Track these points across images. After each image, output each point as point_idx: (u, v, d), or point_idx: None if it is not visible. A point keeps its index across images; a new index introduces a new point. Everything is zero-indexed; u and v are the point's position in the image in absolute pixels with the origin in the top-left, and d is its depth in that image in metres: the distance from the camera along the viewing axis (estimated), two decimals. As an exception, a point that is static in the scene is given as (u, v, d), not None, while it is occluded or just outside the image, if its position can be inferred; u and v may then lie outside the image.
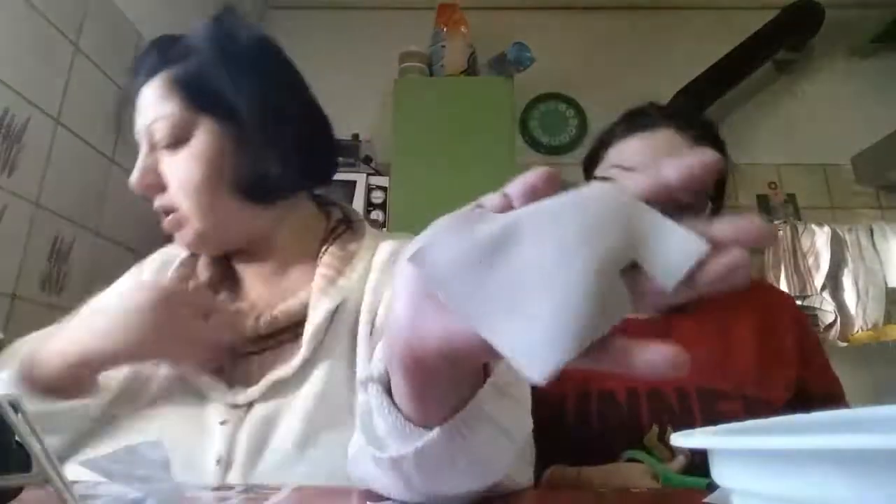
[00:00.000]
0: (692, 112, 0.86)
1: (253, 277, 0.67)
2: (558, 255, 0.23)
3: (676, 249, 0.23)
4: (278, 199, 0.64)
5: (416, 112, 2.23)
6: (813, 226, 2.27)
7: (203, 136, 0.60)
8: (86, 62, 1.47)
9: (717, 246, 0.23)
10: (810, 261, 2.22)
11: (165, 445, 0.39)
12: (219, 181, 0.60)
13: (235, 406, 0.57)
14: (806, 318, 0.90)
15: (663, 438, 0.69)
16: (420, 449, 0.33)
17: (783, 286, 2.18)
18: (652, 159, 0.77)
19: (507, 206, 0.28)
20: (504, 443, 0.35)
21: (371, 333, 0.58)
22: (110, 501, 0.41)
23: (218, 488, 0.49)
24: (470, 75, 2.32)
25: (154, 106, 0.62)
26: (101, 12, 1.53)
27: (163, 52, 0.65)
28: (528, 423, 0.40)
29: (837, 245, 2.23)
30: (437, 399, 0.33)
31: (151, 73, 0.63)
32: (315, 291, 0.60)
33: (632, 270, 0.23)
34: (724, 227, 0.23)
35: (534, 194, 0.27)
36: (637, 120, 0.83)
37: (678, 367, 0.23)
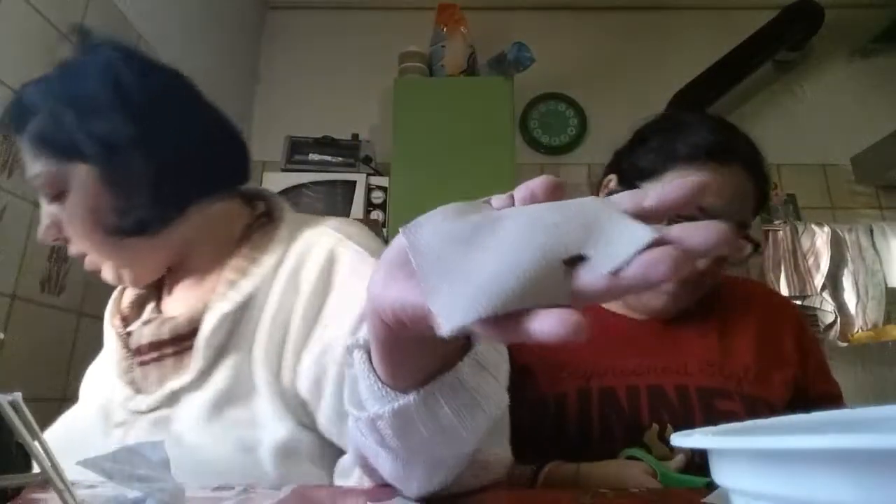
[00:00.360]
0: (756, 149, 0.78)
1: (176, 288, 0.69)
2: (516, 241, 0.26)
3: (624, 241, 0.24)
4: (173, 221, 0.63)
5: (416, 112, 2.23)
6: (813, 226, 2.28)
7: (77, 185, 0.60)
8: (86, 62, 1.47)
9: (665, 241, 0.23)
10: (810, 261, 2.22)
11: (165, 446, 0.39)
12: (105, 224, 0.60)
13: (137, 411, 0.60)
14: (805, 320, 0.90)
15: (663, 436, 0.69)
16: (396, 409, 0.35)
17: (783, 286, 2.18)
18: (719, 200, 0.72)
19: (510, 205, 0.30)
20: (479, 413, 0.36)
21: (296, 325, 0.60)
22: (110, 501, 0.41)
23: (218, 488, 0.49)
24: (470, 75, 2.32)
25: (29, 166, 0.63)
26: (101, 12, 1.53)
27: (17, 112, 0.63)
28: (504, 399, 0.41)
29: (837, 245, 2.23)
30: (410, 365, 0.35)
31: (19, 133, 0.63)
32: (215, 296, 0.61)
33: (581, 262, 0.25)
34: (678, 228, 0.23)
35: (532, 199, 0.29)
36: (712, 147, 0.74)
37: (574, 331, 0.22)
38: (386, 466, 0.42)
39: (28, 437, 0.31)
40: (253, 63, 2.71)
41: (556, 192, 0.29)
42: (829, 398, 0.80)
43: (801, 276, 2.20)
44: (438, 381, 0.35)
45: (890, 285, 2.20)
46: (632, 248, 0.23)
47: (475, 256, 0.26)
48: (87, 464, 0.35)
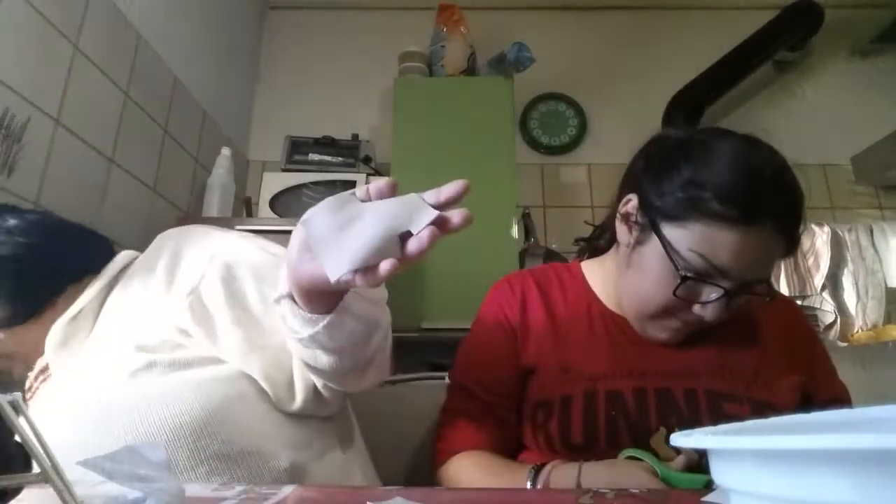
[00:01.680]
0: (792, 197, 0.72)
1: None
2: (370, 225, 0.46)
3: (423, 220, 0.46)
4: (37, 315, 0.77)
5: (416, 112, 2.23)
6: (813, 226, 2.27)
7: None
8: (86, 62, 1.47)
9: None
10: (810, 261, 2.22)
11: (165, 446, 0.39)
12: None
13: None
14: (812, 326, 0.89)
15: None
16: (326, 324, 0.57)
17: (783, 286, 2.18)
18: (741, 263, 0.69)
19: (367, 198, 0.51)
20: (372, 306, 0.63)
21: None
22: (110, 501, 0.41)
23: (218, 488, 0.49)
24: (470, 75, 2.32)
25: None
26: (101, 12, 1.53)
27: None
28: (382, 314, 0.66)
29: (837, 245, 2.23)
30: (322, 304, 0.57)
31: None
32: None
33: (407, 235, 0.47)
34: (447, 213, 0.48)
35: (379, 194, 0.50)
36: (743, 206, 0.68)
37: (392, 268, 0.47)
38: (322, 360, 0.62)
39: (28, 437, 0.31)
40: (253, 63, 2.71)
41: (394, 190, 0.50)
42: (838, 402, 0.80)
43: (801, 276, 2.20)
44: (344, 301, 0.58)
45: (890, 285, 2.20)
46: (423, 224, 0.46)
47: (347, 236, 0.47)
48: (87, 464, 0.35)
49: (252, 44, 2.71)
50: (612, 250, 0.86)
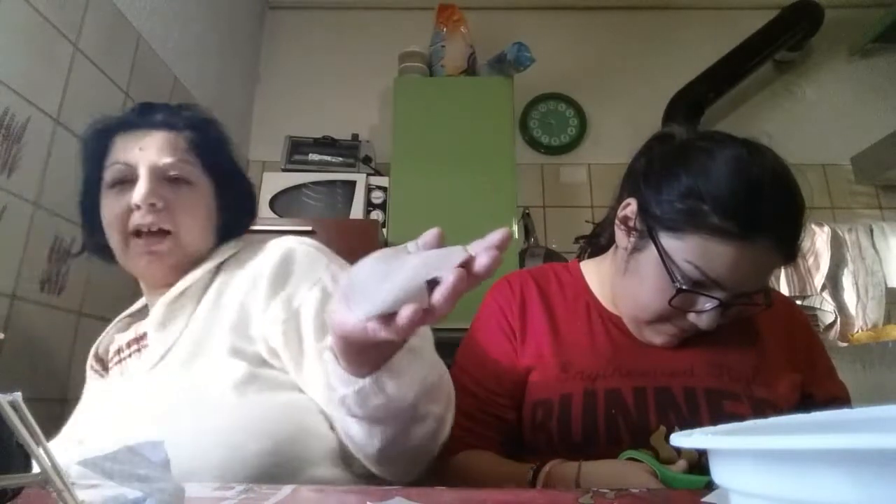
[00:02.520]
0: (792, 211, 0.71)
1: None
2: (401, 273, 0.42)
3: (455, 259, 0.41)
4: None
5: (416, 112, 2.23)
6: (813, 226, 2.27)
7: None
8: (86, 62, 1.47)
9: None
10: (810, 261, 2.22)
11: (165, 446, 0.39)
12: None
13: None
14: (811, 325, 0.89)
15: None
16: (357, 389, 0.51)
17: (783, 286, 2.18)
18: (738, 276, 0.68)
19: (418, 250, 0.46)
20: (415, 385, 0.53)
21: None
22: (110, 501, 0.41)
23: (218, 488, 0.49)
24: (470, 75, 2.32)
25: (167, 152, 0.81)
26: (101, 12, 1.53)
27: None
28: (434, 369, 0.58)
29: (837, 245, 2.23)
30: (363, 361, 0.51)
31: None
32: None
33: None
34: (478, 244, 0.42)
35: (426, 246, 0.45)
36: (743, 220, 0.67)
37: (416, 314, 0.41)
38: (353, 430, 0.58)
39: (28, 437, 0.31)
40: (253, 63, 2.71)
41: (439, 240, 0.45)
42: (837, 401, 0.80)
43: (801, 276, 2.20)
44: (385, 366, 0.51)
45: (890, 285, 2.20)
46: (450, 268, 0.41)
47: (382, 287, 0.43)
48: (87, 464, 0.35)
49: (252, 44, 2.71)
50: (611, 251, 0.86)
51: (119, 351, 0.80)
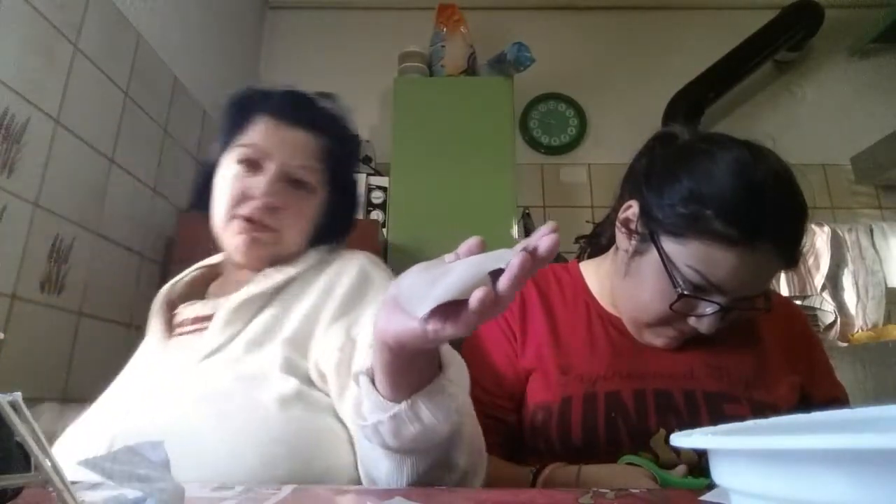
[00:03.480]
0: (798, 226, 0.72)
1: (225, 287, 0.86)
2: (456, 270, 0.42)
3: (509, 255, 0.41)
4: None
5: (416, 112, 2.23)
6: (813, 226, 2.27)
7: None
8: (86, 62, 1.47)
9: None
10: (810, 261, 2.22)
11: (165, 446, 0.39)
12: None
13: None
14: (810, 326, 0.89)
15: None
16: (393, 414, 0.49)
17: (783, 287, 2.18)
18: (739, 282, 0.69)
19: (458, 257, 0.45)
20: (448, 412, 0.50)
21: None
22: (110, 501, 0.41)
23: (218, 488, 0.49)
24: (470, 75, 2.32)
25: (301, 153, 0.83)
26: (101, 12, 1.53)
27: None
28: (466, 404, 0.56)
29: (837, 245, 2.23)
30: (404, 382, 0.49)
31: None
32: (251, 285, 0.79)
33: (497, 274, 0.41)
34: (531, 240, 0.41)
35: (469, 252, 0.44)
36: (746, 227, 0.66)
37: (488, 298, 0.39)
38: (381, 465, 0.54)
39: (28, 437, 0.31)
40: (253, 63, 2.71)
41: (483, 246, 0.45)
42: (836, 402, 0.80)
43: (801, 276, 2.20)
44: (422, 391, 0.49)
45: (890, 285, 2.20)
46: (510, 256, 0.41)
47: (438, 284, 0.42)
48: (87, 464, 0.35)
49: (252, 44, 2.71)
50: (611, 252, 0.86)
51: (182, 324, 0.80)
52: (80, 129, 1.46)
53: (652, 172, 0.77)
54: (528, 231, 2.31)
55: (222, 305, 0.76)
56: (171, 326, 0.81)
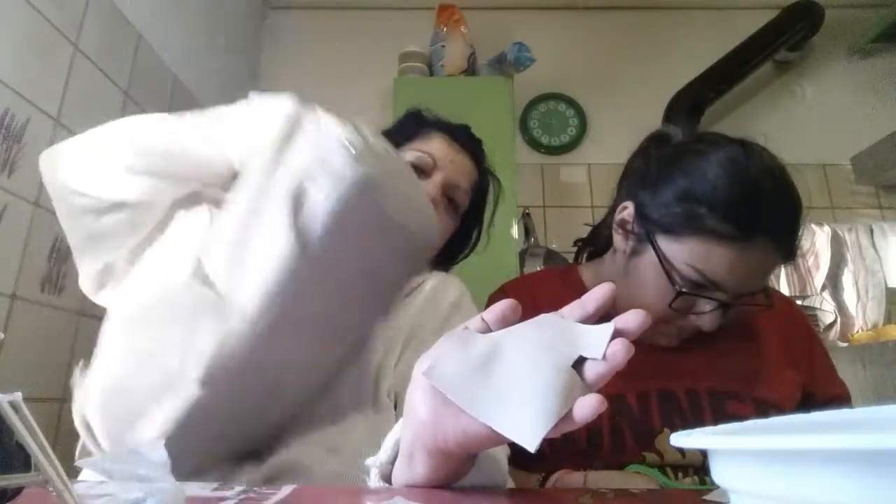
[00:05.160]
0: (794, 220, 0.71)
1: None
2: (530, 361, 0.35)
3: (595, 339, 0.36)
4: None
5: (416, 112, 2.22)
6: (813, 226, 2.27)
7: None
8: (86, 62, 1.47)
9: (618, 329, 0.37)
10: (810, 261, 2.22)
11: (164, 446, 0.39)
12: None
13: None
14: (811, 325, 0.89)
15: None
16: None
17: (783, 286, 2.18)
18: (738, 278, 0.69)
19: (486, 329, 0.40)
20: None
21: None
22: (110, 501, 0.41)
23: (217, 488, 0.49)
24: (470, 75, 2.32)
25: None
26: (101, 12, 1.53)
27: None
28: (501, 478, 0.51)
29: (837, 245, 2.23)
30: (441, 475, 0.42)
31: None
32: None
33: (580, 362, 0.36)
34: (618, 322, 0.37)
35: (504, 320, 0.39)
36: (741, 223, 0.67)
37: (600, 406, 0.35)
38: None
39: (28, 437, 0.31)
40: (253, 63, 2.71)
41: (518, 312, 0.39)
42: (838, 400, 0.80)
43: (801, 276, 2.20)
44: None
45: (890, 285, 2.20)
46: (604, 341, 0.36)
47: (497, 381, 0.35)
48: (87, 464, 0.35)
49: (252, 44, 2.71)
50: (609, 253, 0.86)
51: None
52: (80, 129, 1.44)
53: (647, 173, 0.77)
54: (528, 231, 2.31)
55: None
56: None
